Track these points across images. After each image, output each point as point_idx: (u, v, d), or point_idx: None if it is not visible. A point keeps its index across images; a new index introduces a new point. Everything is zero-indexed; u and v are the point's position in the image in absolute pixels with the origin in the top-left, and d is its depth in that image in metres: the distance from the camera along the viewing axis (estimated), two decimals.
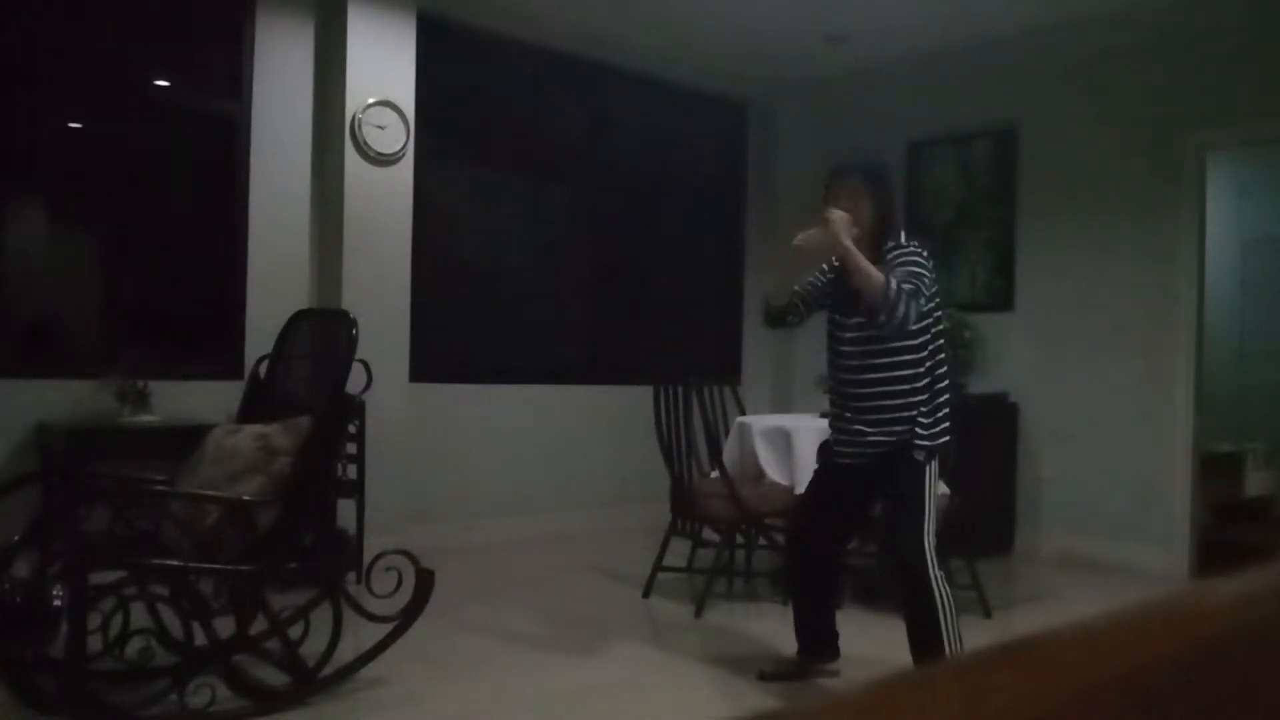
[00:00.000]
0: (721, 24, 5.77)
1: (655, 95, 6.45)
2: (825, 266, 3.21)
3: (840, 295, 3.11)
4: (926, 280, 2.93)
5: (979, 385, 5.81)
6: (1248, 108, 5.00)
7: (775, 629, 3.53)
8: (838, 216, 2.91)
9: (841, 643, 3.32)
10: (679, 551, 4.49)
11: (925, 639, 2.95)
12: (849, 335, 3.06)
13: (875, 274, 2.80)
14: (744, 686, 3.29)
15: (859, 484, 3.15)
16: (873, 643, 3.88)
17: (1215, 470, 5.75)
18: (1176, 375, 5.19)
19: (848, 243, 2.86)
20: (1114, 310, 5.41)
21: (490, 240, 5.85)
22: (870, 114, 6.53)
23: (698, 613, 4.08)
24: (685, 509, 4.34)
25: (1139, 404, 5.30)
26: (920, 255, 2.97)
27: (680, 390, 4.32)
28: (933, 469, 3.01)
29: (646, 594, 4.39)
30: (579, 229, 6.41)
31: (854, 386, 3.05)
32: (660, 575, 4.45)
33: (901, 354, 2.98)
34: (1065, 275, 5.62)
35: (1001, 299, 5.87)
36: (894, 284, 2.79)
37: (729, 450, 4.48)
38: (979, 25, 5.64)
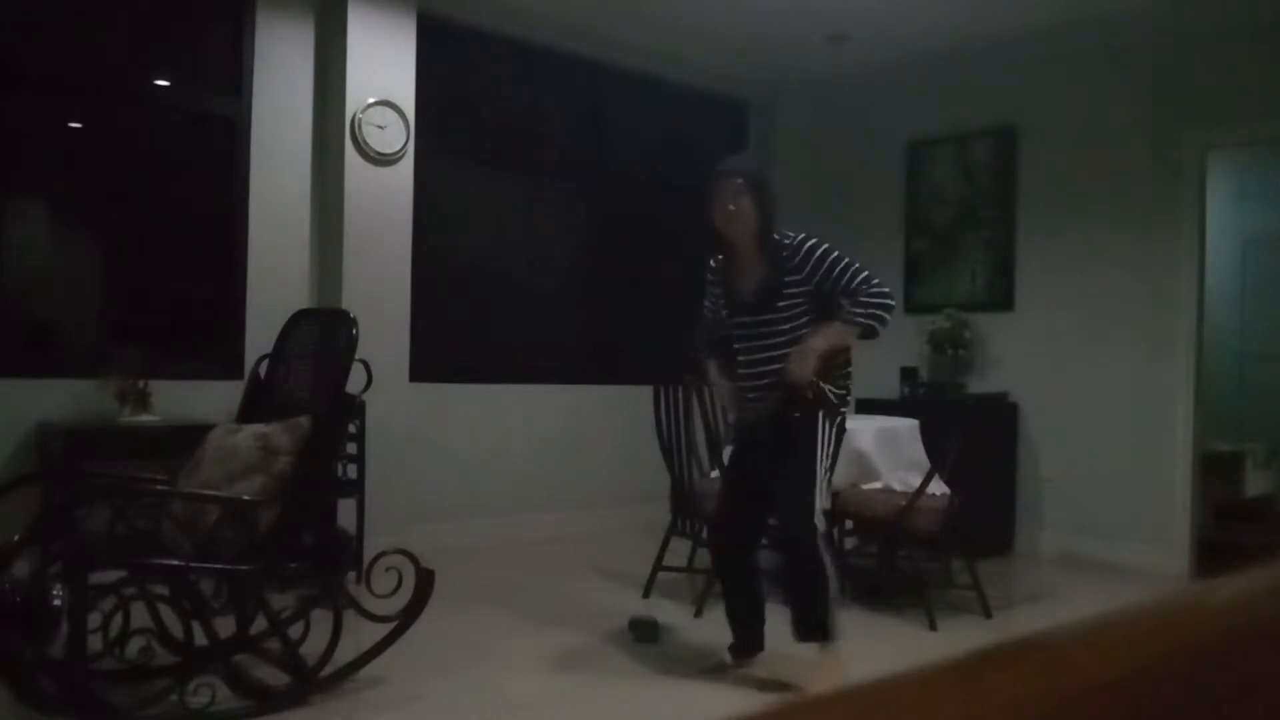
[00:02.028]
0: (721, 24, 5.77)
1: (655, 95, 6.45)
2: (710, 271, 3.37)
3: (737, 299, 3.25)
4: (848, 261, 3.13)
5: (979, 385, 5.81)
6: (1248, 108, 5.00)
7: (774, 628, 3.53)
8: (803, 367, 3.05)
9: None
10: (679, 551, 4.48)
11: (808, 610, 3.09)
12: (751, 331, 3.21)
13: (840, 336, 3.08)
14: (745, 685, 3.29)
15: (766, 457, 3.21)
16: (873, 643, 3.88)
17: (1215, 470, 5.74)
18: (1176, 375, 5.19)
19: (808, 370, 3.03)
20: (1114, 310, 5.41)
21: (490, 240, 5.85)
22: (870, 114, 6.53)
23: (698, 613, 4.08)
24: (685, 509, 4.34)
25: (1139, 404, 5.30)
26: (825, 243, 3.15)
27: (680, 390, 4.32)
28: (828, 431, 3.10)
29: (646, 594, 4.39)
30: (579, 229, 6.40)
31: (764, 363, 3.18)
32: (660, 575, 4.45)
33: (799, 329, 3.12)
34: (1065, 275, 5.61)
35: (1001, 299, 5.87)
36: (860, 315, 3.04)
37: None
38: (979, 25, 5.64)
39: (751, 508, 3.33)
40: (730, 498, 3.38)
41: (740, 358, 3.26)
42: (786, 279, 3.12)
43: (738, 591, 3.39)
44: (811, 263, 3.09)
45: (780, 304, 3.12)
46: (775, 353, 3.14)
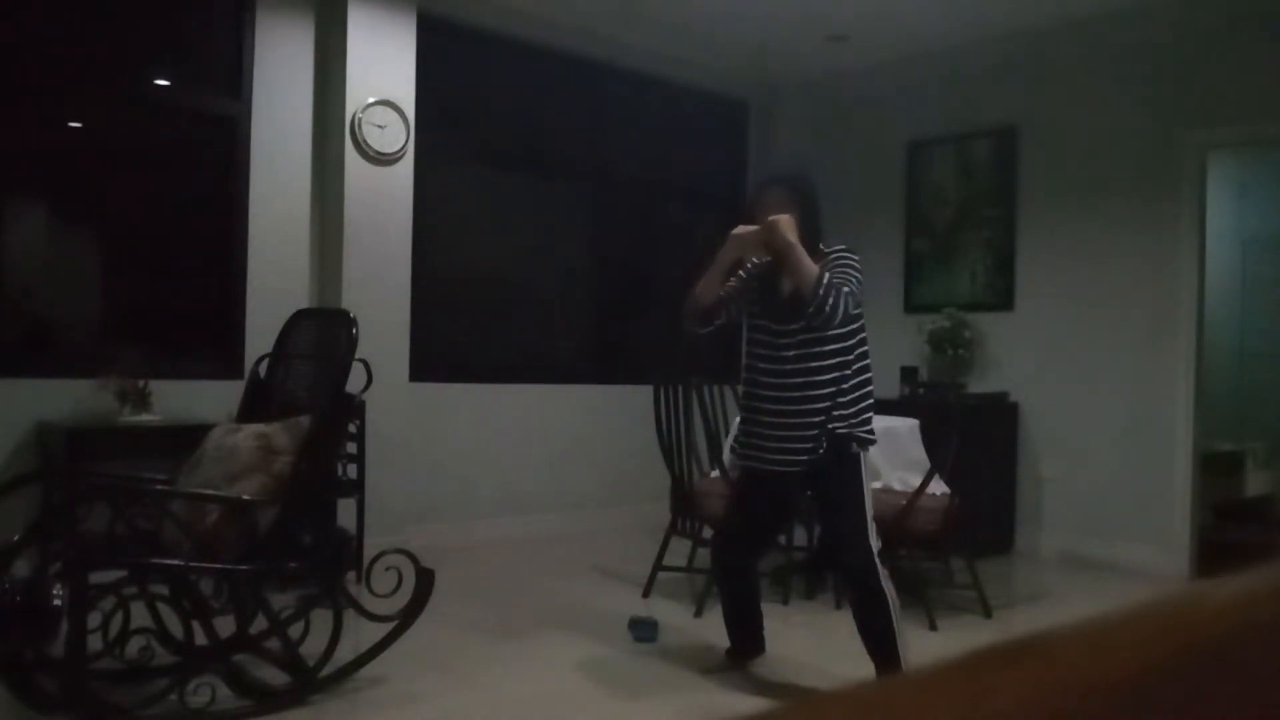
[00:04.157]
0: (721, 23, 5.77)
1: (655, 94, 6.45)
2: (743, 274, 3.24)
3: (772, 302, 3.14)
4: (856, 281, 3.01)
5: (979, 385, 5.81)
6: (1248, 108, 5.00)
7: (774, 628, 3.53)
8: (784, 218, 2.99)
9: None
10: (679, 551, 4.48)
11: (880, 639, 3.03)
12: (784, 341, 3.08)
13: (812, 268, 2.93)
14: (744, 686, 3.29)
15: (786, 487, 3.18)
16: None
17: (1215, 470, 5.74)
18: (1176, 375, 5.19)
19: (791, 238, 2.96)
20: (1114, 310, 5.41)
21: (490, 239, 5.85)
22: (870, 114, 6.53)
23: (698, 612, 4.08)
24: (685, 509, 4.34)
25: (1139, 404, 5.30)
26: (854, 258, 3.07)
27: (680, 390, 4.32)
28: (866, 464, 3.07)
29: (646, 594, 4.39)
30: (579, 229, 6.40)
31: (786, 390, 3.06)
32: (660, 575, 4.45)
33: (835, 355, 3.03)
34: (1065, 275, 5.61)
35: (1001, 299, 5.87)
36: (827, 278, 2.91)
37: (729, 450, 4.48)
38: (979, 25, 5.64)
39: (760, 521, 3.31)
40: (739, 508, 3.35)
41: (760, 375, 3.13)
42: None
43: (736, 595, 3.39)
44: (829, 267, 3.00)
45: (797, 310, 3.02)
46: (786, 377, 3.04)
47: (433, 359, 5.37)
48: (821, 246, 3.08)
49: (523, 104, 5.94)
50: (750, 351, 3.21)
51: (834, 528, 3.13)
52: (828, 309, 2.89)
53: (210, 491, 2.90)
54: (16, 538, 2.71)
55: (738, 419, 3.41)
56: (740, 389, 3.33)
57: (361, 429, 4.51)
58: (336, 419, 3.14)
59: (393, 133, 5.06)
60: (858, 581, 3.06)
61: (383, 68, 5.05)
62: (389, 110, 5.05)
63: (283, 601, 3.02)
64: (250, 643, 2.86)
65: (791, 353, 3.06)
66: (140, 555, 2.79)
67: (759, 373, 3.14)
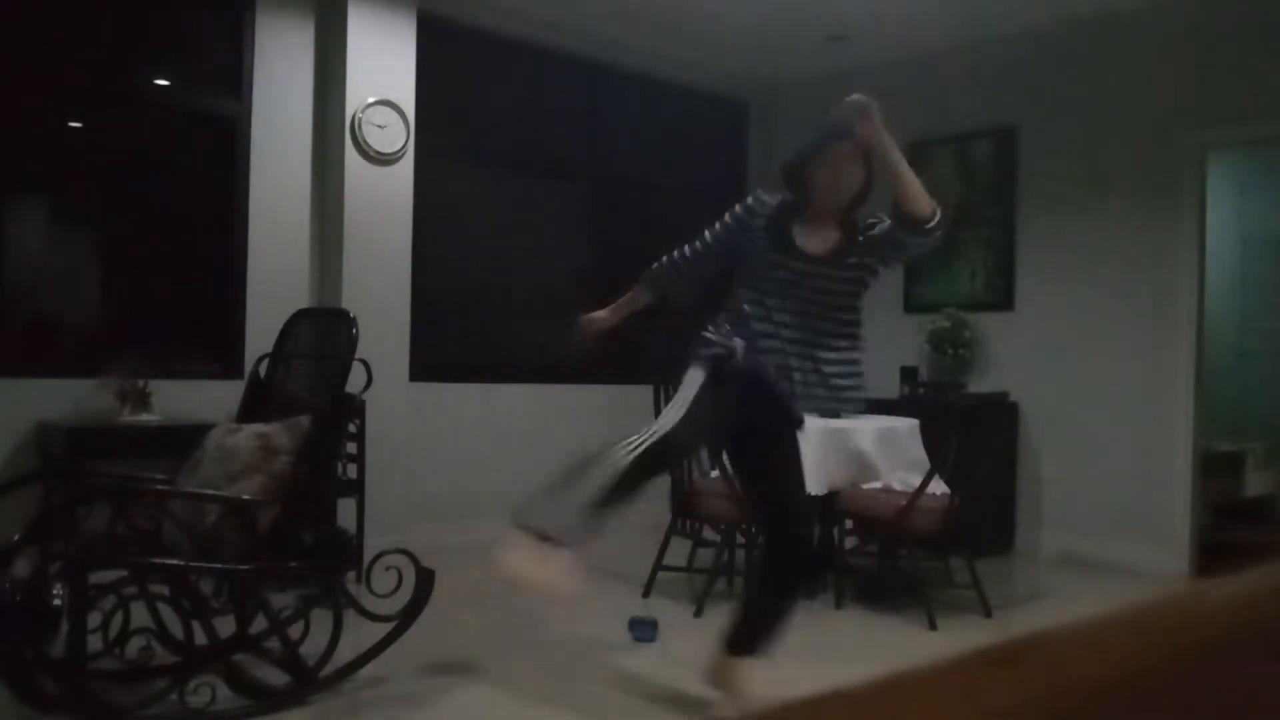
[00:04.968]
0: (722, 23, 5.77)
1: (655, 94, 6.45)
2: (754, 201, 3.02)
3: (782, 242, 2.93)
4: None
5: (979, 385, 5.81)
6: (1248, 107, 5.00)
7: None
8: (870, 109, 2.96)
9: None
10: (679, 551, 4.48)
11: (788, 604, 2.95)
12: (800, 275, 2.86)
13: (910, 175, 2.84)
14: (744, 686, 3.29)
15: (763, 405, 2.95)
16: (873, 643, 3.88)
17: (1215, 470, 5.74)
18: (1176, 375, 5.19)
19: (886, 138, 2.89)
20: (1114, 309, 5.41)
21: (490, 239, 5.85)
22: None
23: (698, 612, 4.08)
24: (685, 509, 4.34)
25: (1139, 404, 5.30)
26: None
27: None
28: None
29: (646, 594, 4.39)
30: (579, 229, 6.40)
31: (802, 323, 2.86)
32: (660, 575, 4.45)
33: (855, 315, 2.92)
34: (1065, 274, 5.61)
35: (1001, 299, 5.87)
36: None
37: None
38: (979, 25, 5.64)
39: (722, 419, 2.99)
40: (706, 401, 2.95)
41: (770, 309, 2.88)
42: (867, 245, 2.92)
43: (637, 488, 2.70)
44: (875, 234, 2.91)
45: (850, 261, 2.91)
46: (818, 312, 2.85)
47: (433, 359, 5.37)
48: (866, 215, 2.95)
49: (523, 104, 5.94)
50: (762, 285, 2.92)
51: (789, 495, 2.93)
52: (938, 231, 2.78)
53: (210, 491, 2.90)
54: (16, 538, 2.71)
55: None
56: (735, 314, 3.00)
57: (361, 429, 4.51)
58: (336, 419, 3.14)
59: (393, 133, 5.07)
60: (809, 559, 2.90)
61: (383, 68, 5.05)
62: (389, 110, 5.05)
63: (283, 601, 3.02)
64: (250, 643, 2.86)
65: (808, 289, 2.86)
66: (140, 555, 2.78)
67: (780, 310, 2.88)
